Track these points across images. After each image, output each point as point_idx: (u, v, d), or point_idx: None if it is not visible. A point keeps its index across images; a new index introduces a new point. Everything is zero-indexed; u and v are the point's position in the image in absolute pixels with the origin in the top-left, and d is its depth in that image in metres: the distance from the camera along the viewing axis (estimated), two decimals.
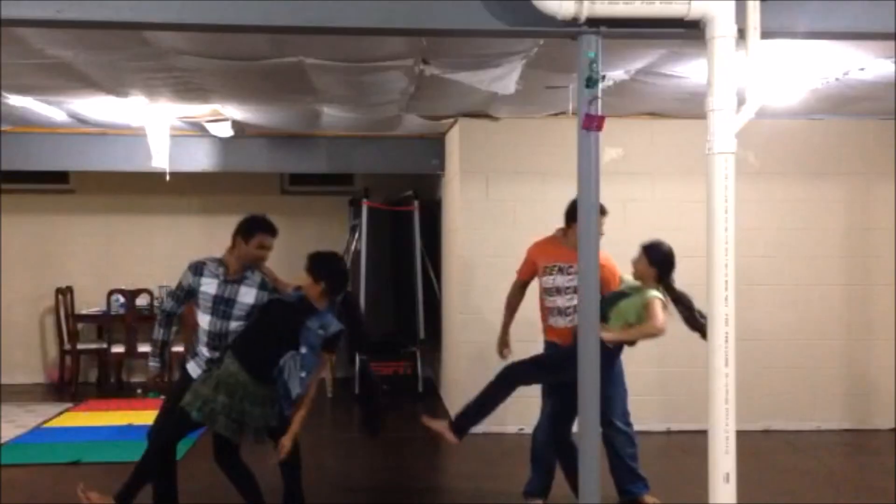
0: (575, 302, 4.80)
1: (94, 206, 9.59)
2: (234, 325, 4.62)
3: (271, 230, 4.73)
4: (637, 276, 4.88)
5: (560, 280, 5.05)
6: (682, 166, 6.89)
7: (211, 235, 9.68)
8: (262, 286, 4.68)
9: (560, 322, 5.04)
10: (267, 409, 4.45)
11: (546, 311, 5.14)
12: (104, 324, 9.01)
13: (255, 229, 4.69)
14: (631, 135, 7.05)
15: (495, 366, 7.06)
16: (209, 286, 4.66)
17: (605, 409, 4.88)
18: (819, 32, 3.96)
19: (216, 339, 4.63)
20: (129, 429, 7.26)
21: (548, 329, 5.17)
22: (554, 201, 6.98)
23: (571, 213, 4.95)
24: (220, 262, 4.73)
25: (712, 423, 3.73)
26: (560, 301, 5.05)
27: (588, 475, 3.82)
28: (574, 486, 4.68)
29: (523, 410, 7.10)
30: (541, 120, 7.06)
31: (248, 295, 4.63)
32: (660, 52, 4.91)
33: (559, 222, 6.83)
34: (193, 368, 4.71)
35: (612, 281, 5.03)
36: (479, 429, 7.06)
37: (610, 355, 4.70)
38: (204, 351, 4.70)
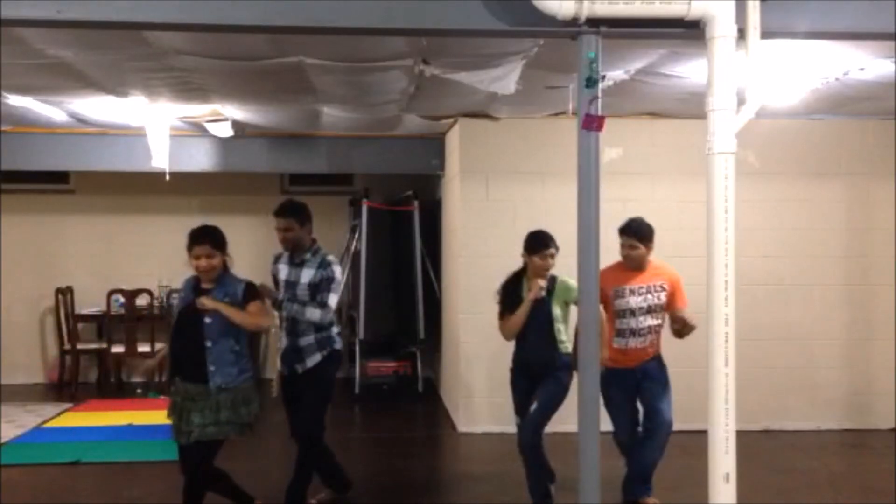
0: (649, 322, 5.05)
1: (94, 206, 9.59)
2: (298, 308, 4.91)
3: (281, 212, 5.01)
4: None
5: (633, 301, 5.06)
6: (682, 166, 6.89)
7: None
8: (321, 265, 4.97)
9: (632, 342, 5.06)
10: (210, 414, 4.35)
11: (611, 334, 5.06)
12: (104, 324, 9.01)
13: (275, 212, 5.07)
14: (631, 135, 7.05)
15: (495, 365, 7.09)
16: (283, 272, 5.07)
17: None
18: (819, 32, 3.96)
19: (289, 324, 4.95)
20: (129, 429, 7.27)
21: (611, 351, 5.05)
22: (554, 201, 7.02)
23: (624, 230, 5.11)
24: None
25: (712, 423, 3.73)
26: (633, 322, 5.06)
27: (588, 475, 3.81)
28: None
29: None
30: (541, 120, 7.06)
31: (306, 275, 4.95)
32: (660, 52, 4.91)
33: (559, 222, 6.84)
34: (280, 365, 5.08)
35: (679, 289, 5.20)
36: (479, 429, 7.10)
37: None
38: (283, 338, 5.03)
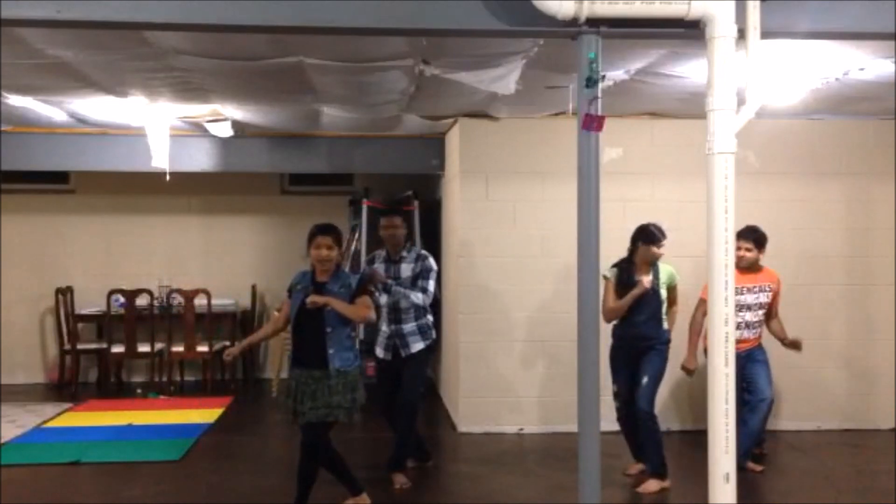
0: (759, 317, 5.93)
1: (94, 206, 9.59)
2: (404, 291, 5.67)
3: (389, 212, 5.94)
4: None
5: (749, 298, 5.83)
6: (682, 166, 6.89)
7: (211, 235, 9.73)
8: (418, 258, 5.75)
9: (746, 334, 5.81)
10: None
11: None
12: (104, 324, 9.01)
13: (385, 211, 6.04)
14: (631, 135, 7.04)
15: (495, 365, 7.11)
16: (381, 270, 5.74)
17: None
18: (819, 32, 3.96)
19: (391, 313, 5.70)
20: (129, 429, 7.27)
21: None
22: (554, 201, 7.02)
23: (740, 234, 5.59)
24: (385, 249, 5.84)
25: (712, 423, 3.73)
26: (748, 316, 5.83)
27: (588, 475, 3.81)
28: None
29: (523, 410, 7.13)
30: (541, 120, 7.06)
31: (405, 270, 5.71)
32: (660, 52, 4.91)
33: (559, 222, 6.86)
34: (379, 351, 5.82)
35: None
36: (479, 429, 7.11)
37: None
38: (384, 327, 5.74)
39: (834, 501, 5.44)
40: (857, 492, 5.68)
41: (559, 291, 6.94)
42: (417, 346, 5.71)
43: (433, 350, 6.05)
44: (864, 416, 7.23)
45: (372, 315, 4.90)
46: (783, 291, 6.11)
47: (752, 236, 5.81)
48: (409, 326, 5.70)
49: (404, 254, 5.76)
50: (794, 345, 6.07)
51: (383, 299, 5.70)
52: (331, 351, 4.72)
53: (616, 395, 5.73)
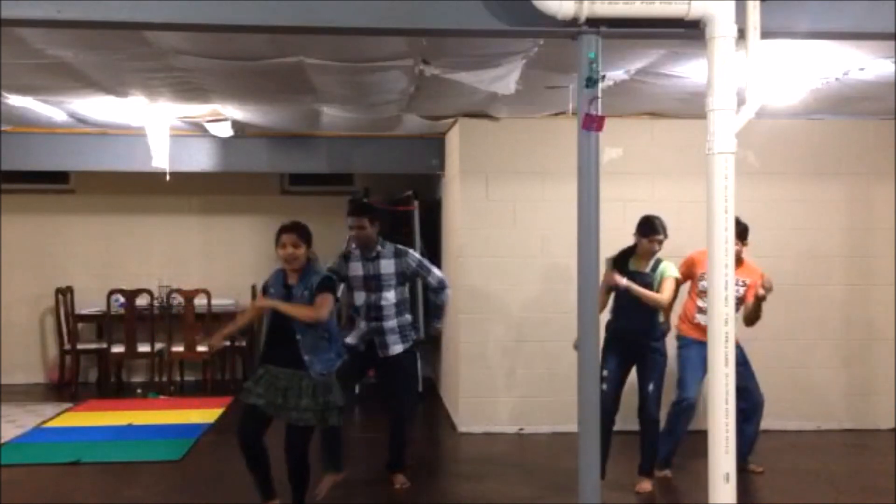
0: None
1: (94, 206, 9.59)
2: (385, 295, 5.50)
3: (355, 212, 5.60)
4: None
5: None
6: (682, 166, 6.89)
7: (211, 235, 9.73)
8: (397, 255, 5.55)
9: None
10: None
11: (694, 311, 5.69)
12: (104, 324, 9.01)
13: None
14: (631, 135, 7.04)
15: (495, 365, 7.11)
16: (357, 269, 5.54)
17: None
18: (819, 32, 3.96)
19: (371, 311, 5.50)
20: (129, 429, 7.27)
21: (690, 327, 5.72)
22: (554, 201, 7.02)
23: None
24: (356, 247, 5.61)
25: (712, 423, 3.73)
26: None
27: (588, 475, 3.81)
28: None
29: (523, 410, 7.13)
30: (541, 120, 7.06)
31: (386, 266, 5.51)
32: (660, 52, 4.91)
33: (559, 222, 6.86)
34: (352, 338, 5.54)
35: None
36: (479, 429, 7.11)
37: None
38: (362, 324, 5.55)
39: (834, 501, 5.44)
40: (857, 492, 5.68)
41: (559, 291, 6.93)
42: (397, 347, 5.53)
43: (418, 346, 5.88)
44: (864, 416, 7.23)
45: (322, 314, 4.57)
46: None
47: (735, 229, 5.68)
48: (388, 324, 5.50)
49: (379, 248, 5.52)
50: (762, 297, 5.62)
51: (361, 298, 5.51)
52: (307, 357, 4.57)
53: (603, 380, 5.50)
